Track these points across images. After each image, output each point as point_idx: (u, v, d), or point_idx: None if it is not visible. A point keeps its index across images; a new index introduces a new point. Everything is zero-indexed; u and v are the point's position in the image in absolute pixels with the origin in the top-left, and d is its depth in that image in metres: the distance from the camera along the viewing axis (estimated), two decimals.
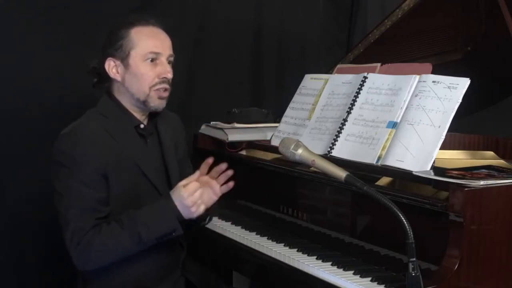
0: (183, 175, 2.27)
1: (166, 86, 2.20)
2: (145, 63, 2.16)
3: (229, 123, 2.84)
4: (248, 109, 2.97)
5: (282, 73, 3.67)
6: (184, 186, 2.04)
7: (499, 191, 1.84)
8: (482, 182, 1.82)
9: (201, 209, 2.08)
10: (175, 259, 2.24)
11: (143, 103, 2.19)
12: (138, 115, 2.23)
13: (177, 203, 2.04)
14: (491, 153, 2.39)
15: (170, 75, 2.19)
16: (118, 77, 2.19)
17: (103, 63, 2.19)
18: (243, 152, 2.78)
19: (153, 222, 2.03)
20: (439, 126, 2.01)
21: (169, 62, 2.21)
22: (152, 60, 2.16)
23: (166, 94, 2.21)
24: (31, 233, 2.87)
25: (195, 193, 2.04)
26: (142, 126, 2.23)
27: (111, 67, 2.18)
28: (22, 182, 2.84)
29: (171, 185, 2.24)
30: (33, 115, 2.84)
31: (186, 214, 2.06)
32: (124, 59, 2.16)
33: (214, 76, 3.40)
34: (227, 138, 2.74)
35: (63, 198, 2.04)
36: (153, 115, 2.27)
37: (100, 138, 2.10)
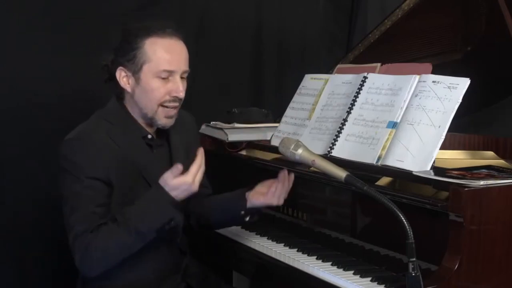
0: None
1: (176, 104, 2.12)
2: (156, 79, 2.07)
3: (229, 123, 2.84)
4: (248, 109, 2.97)
5: (282, 73, 3.67)
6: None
7: (499, 191, 1.84)
8: (482, 182, 1.82)
9: (196, 182, 2.00)
10: (175, 265, 2.21)
11: (150, 119, 2.12)
12: (146, 126, 2.16)
13: (167, 188, 1.97)
14: (491, 153, 2.39)
15: (182, 95, 2.10)
16: (128, 88, 2.11)
17: (114, 69, 2.11)
18: (243, 152, 2.78)
19: (146, 214, 1.97)
20: (439, 126, 2.01)
21: (182, 77, 2.12)
22: (165, 77, 2.08)
23: (174, 112, 2.13)
24: (30, 233, 2.87)
25: (198, 176, 1.99)
26: (149, 136, 2.16)
27: (122, 77, 2.10)
28: (22, 182, 2.84)
29: None
30: (33, 115, 2.84)
31: (179, 193, 1.99)
32: (136, 72, 2.07)
33: (214, 76, 3.40)
34: (227, 138, 2.74)
35: (67, 203, 2.01)
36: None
37: (104, 146, 2.05)
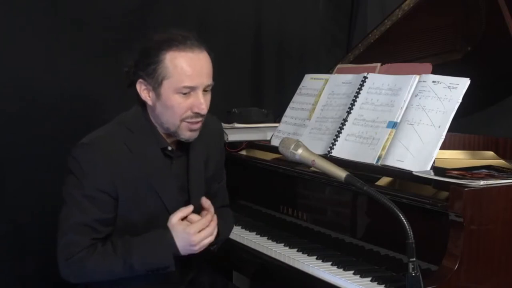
0: (211, 192, 2.21)
1: (199, 119, 2.04)
2: (177, 95, 1.98)
3: (229, 123, 2.84)
4: (248, 109, 2.97)
5: (282, 73, 3.67)
6: (182, 219, 1.97)
7: (499, 191, 1.85)
8: (482, 182, 1.82)
9: (205, 244, 1.99)
10: (181, 275, 2.17)
11: (173, 133, 2.05)
12: (168, 137, 2.09)
13: (178, 240, 1.95)
14: (491, 153, 2.39)
15: (204, 111, 2.02)
16: (149, 101, 2.03)
17: (135, 80, 2.03)
18: (243, 152, 2.78)
19: (147, 255, 1.95)
20: (439, 126, 2.01)
21: (205, 90, 2.05)
22: (186, 93, 2.00)
23: (198, 126, 2.05)
24: (31, 233, 2.86)
25: (202, 232, 1.97)
26: (170, 148, 2.09)
27: (142, 90, 2.02)
28: (22, 182, 2.84)
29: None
30: (33, 115, 2.83)
31: (185, 251, 1.97)
32: (155, 87, 1.99)
33: (214, 76, 3.39)
34: (227, 138, 2.74)
35: (65, 205, 1.99)
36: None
37: (118, 156, 2.00)
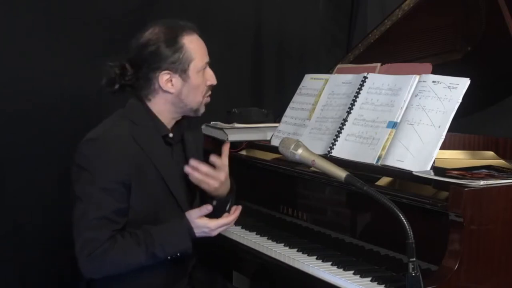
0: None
1: (210, 92, 2.24)
2: (199, 74, 2.15)
3: (229, 123, 2.84)
4: (248, 109, 2.97)
5: (282, 73, 3.67)
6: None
7: (499, 191, 1.84)
8: (482, 182, 1.82)
9: (217, 231, 2.12)
10: (183, 269, 2.21)
11: (194, 112, 2.20)
12: (168, 123, 2.18)
13: (196, 231, 2.06)
14: (491, 153, 2.39)
15: (215, 81, 2.22)
16: (171, 89, 2.12)
17: (151, 76, 2.10)
18: (243, 152, 2.78)
19: (168, 243, 2.02)
20: (439, 126, 2.01)
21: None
22: (204, 70, 2.18)
23: (210, 98, 2.24)
24: (31, 234, 2.86)
25: (221, 228, 2.10)
26: (170, 135, 2.18)
27: (165, 80, 2.10)
28: (22, 183, 2.84)
29: (191, 193, 2.23)
30: (33, 116, 2.84)
31: (201, 235, 2.09)
32: (183, 72, 2.11)
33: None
34: (227, 138, 2.74)
35: (81, 203, 1.99)
36: (179, 123, 2.22)
37: (127, 147, 2.04)
